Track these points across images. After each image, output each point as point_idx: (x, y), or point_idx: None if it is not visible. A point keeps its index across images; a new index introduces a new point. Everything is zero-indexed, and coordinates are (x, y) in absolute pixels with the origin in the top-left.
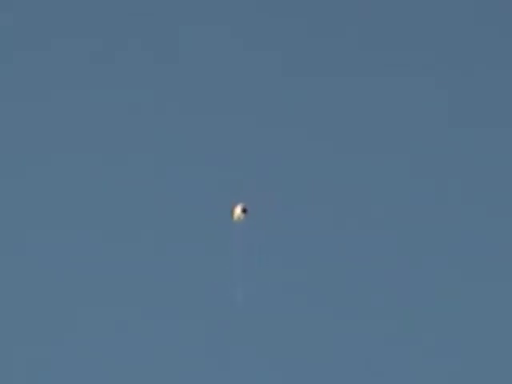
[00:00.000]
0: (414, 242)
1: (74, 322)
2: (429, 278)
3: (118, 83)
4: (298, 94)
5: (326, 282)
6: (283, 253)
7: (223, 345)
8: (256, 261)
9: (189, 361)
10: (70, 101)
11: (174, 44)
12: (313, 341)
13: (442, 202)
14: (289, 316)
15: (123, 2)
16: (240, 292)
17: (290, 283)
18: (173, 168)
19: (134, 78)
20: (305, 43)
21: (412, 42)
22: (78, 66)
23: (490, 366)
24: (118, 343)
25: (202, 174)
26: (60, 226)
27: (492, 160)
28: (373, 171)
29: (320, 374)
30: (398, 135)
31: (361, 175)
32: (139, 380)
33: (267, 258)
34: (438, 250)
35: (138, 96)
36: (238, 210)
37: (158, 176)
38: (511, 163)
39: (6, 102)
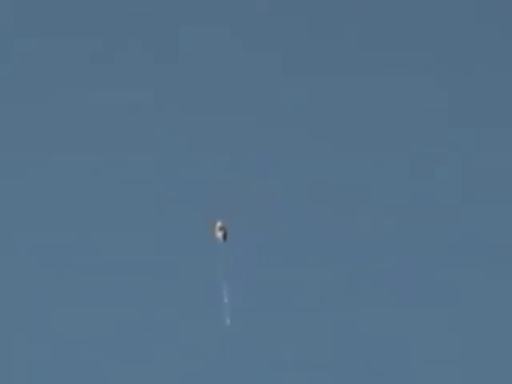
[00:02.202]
0: (414, 241)
1: (71, 320)
2: (429, 277)
3: (118, 83)
4: (298, 94)
5: (327, 281)
6: (283, 253)
7: (220, 347)
8: (255, 260)
9: (185, 362)
10: (70, 101)
11: (174, 44)
12: (313, 340)
13: (441, 202)
14: (289, 316)
15: (123, 2)
16: (228, 313)
17: (289, 283)
18: (173, 168)
19: (134, 78)
20: (305, 43)
21: (412, 41)
22: (78, 65)
23: (491, 366)
24: (115, 342)
25: (201, 174)
26: (59, 226)
27: (492, 160)
28: (372, 171)
29: (321, 374)
30: (398, 135)
31: (361, 175)
32: (137, 380)
33: (267, 258)
34: (438, 249)
35: (137, 96)
36: (217, 232)
37: (158, 176)
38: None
39: (6, 102)
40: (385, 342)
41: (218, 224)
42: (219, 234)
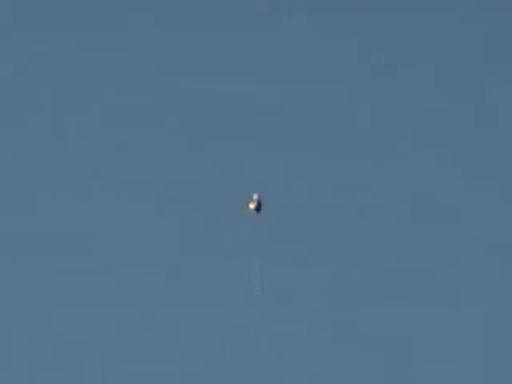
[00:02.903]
0: (415, 242)
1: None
2: (432, 278)
3: (119, 83)
4: (299, 94)
5: (330, 282)
6: (290, 253)
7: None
8: (265, 261)
9: (197, 359)
10: (70, 100)
11: (175, 44)
12: (319, 340)
13: (444, 202)
14: (297, 317)
15: (123, 2)
16: (257, 283)
17: (297, 282)
18: (173, 168)
19: (134, 77)
20: (305, 43)
21: (412, 41)
22: (78, 65)
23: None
24: (121, 343)
25: (201, 174)
26: (60, 226)
27: (493, 160)
28: (375, 172)
29: (327, 373)
30: (399, 135)
31: (364, 176)
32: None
33: (274, 259)
34: (440, 250)
35: (138, 96)
36: (251, 205)
37: (159, 176)
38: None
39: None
40: (389, 347)
41: (254, 196)
42: (252, 206)
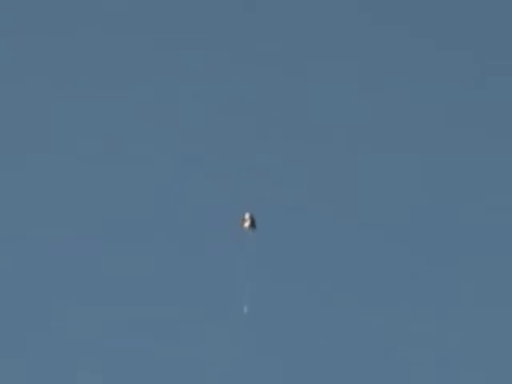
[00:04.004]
0: (416, 242)
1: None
2: (431, 279)
3: (119, 83)
4: (299, 94)
5: (331, 284)
6: (288, 256)
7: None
8: (262, 264)
9: (194, 364)
10: (70, 100)
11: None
12: (318, 342)
13: (444, 202)
14: (295, 319)
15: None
16: (247, 301)
17: (295, 285)
18: (172, 169)
19: (133, 77)
20: (305, 43)
21: (413, 45)
22: (78, 66)
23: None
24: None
25: (201, 175)
26: (57, 227)
27: (494, 161)
28: (375, 170)
29: (324, 375)
30: (401, 135)
31: (364, 174)
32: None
33: (272, 261)
34: (440, 251)
35: (137, 96)
36: (246, 224)
37: (158, 178)
38: None
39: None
40: (387, 342)
41: (245, 215)
42: (246, 225)
